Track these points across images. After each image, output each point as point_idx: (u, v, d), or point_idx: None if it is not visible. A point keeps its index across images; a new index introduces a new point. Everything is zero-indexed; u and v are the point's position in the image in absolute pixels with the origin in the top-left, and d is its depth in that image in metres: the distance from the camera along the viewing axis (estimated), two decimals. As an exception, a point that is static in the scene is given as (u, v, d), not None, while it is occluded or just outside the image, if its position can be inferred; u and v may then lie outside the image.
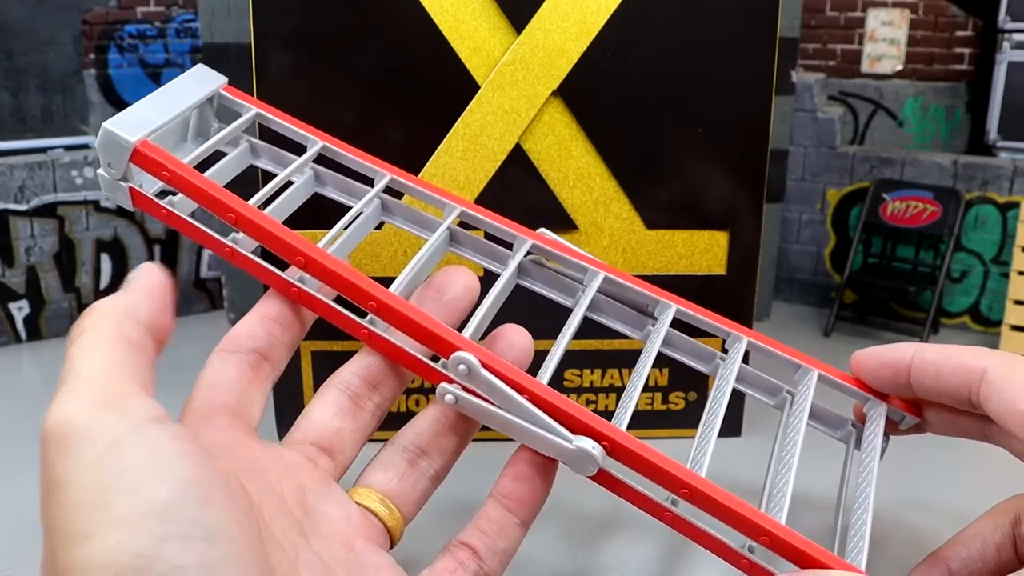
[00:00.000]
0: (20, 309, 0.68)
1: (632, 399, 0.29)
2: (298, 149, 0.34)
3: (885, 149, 0.83)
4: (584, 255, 0.33)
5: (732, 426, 0.51)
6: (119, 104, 1.92)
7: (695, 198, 0.48)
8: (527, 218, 0.47)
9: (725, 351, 0.33)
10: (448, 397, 0.28)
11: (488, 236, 0.34)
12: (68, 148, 0.79)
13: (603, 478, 0.27)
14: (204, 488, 0.21)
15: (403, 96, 0.45)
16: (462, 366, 0.27)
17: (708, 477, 0.27)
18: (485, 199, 0.47)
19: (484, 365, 0.27)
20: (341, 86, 0.45)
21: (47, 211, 0.68)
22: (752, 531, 0.25)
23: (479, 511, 0.29)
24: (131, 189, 0.31)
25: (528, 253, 0.33)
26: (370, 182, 0.34)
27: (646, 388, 0.50)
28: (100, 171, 0.31)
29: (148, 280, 0.26)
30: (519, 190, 0.47)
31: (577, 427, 0.27)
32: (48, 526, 0.20)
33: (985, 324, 0.76)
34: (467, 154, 0.46)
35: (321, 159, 0.34)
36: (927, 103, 2.12)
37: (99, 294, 0.71)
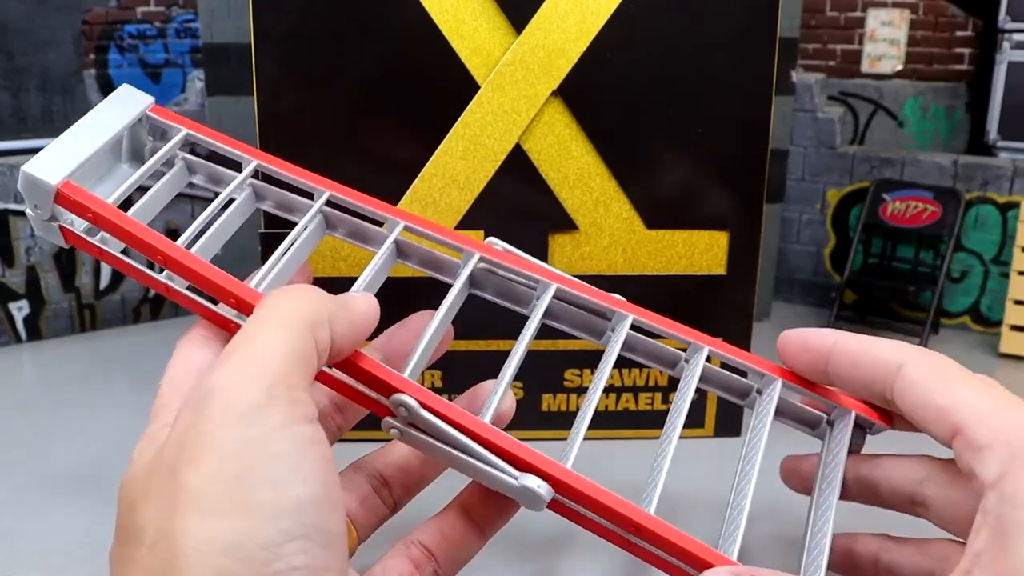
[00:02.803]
0: (20, 309, 0.68)
1: (581, 430, 0.28)
2: (235, 166, 0.33)
3: (885, 149, 0.83)
4: (536, 264, 0.32)
5: (732, 425, 0.51)
6: (119, 104, 1.92)
7: (695, 198, 0.48)
8: (527, 218, 0.47)
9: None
10: (393, 431, 0.27)
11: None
12: (68, 148, 0.79)
13: (558, 507, 0.27)
14: (333, 495, 0.21)
15: (403, 96, 0.46)
16: (402, 408, 0.26)
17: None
18: (485, 199, 0.47)
19: (424, 405, 0.26)
20: (341, 86, 0.45)
21: (47, 211, 0.68)
22: (701, 566, 0.25)
23: (440, 514, 0.29)
24: (61, 228, 0.30)
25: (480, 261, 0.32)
26: (310, 196, 0.33)
27: (646, 388, 0.50)
28: (28, 211, 0.30)
29: (364, 309, 0.26)
30: (519, 190, 0.47)
31: (522, 465, 0.26)
32: (178, 483, 0.20)
33: (985, 324, 0.76)
34: (467, 154, 0.46)
35: (259, 176, 0.34)
36: (927, 103, 2.12)
37: (99, 294, 0.71)
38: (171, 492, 0.20)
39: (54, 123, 1.93)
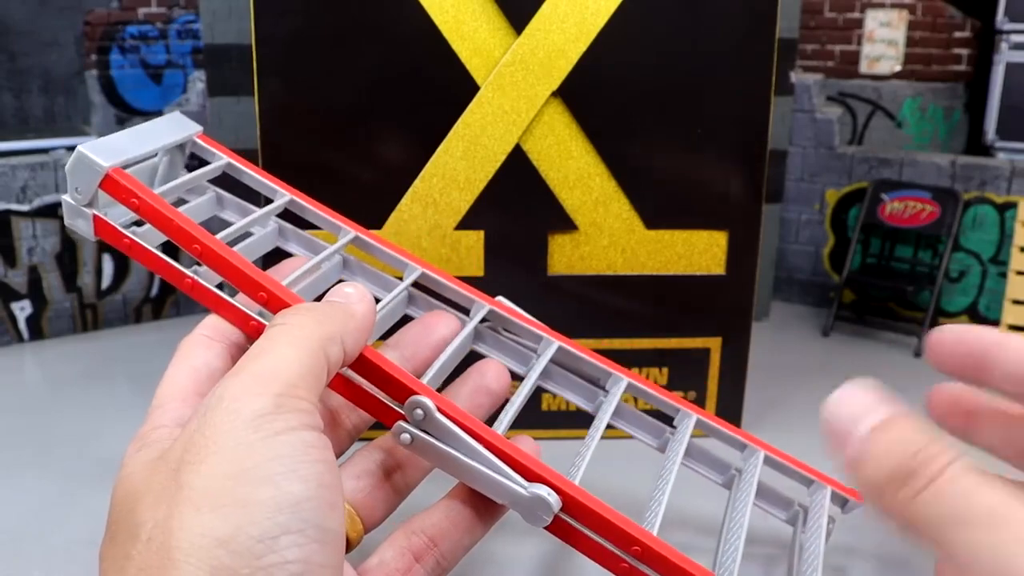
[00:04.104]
0: (22, 309, 0.68)
1: (585, 460, 0.29)
2: (265, 200, 0.34)
3: (883, 150, 0.84)
4: (538, 323, 0.32)
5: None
6: (121, 105, 1.92)
7: (695, 198, 0.48)
8: (527, 218, 0.47)
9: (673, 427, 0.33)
10: (404, 436, 0.27)
11: (445, 299, 0.33)
12: (70, 149, 0.79)
13: (558, 526, 0.27)
14: (331, 494, 0.21)
15: (403, 97, 0.46)
16: (418, 410, 0.27)
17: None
18: (485, 199, 0.47)
19: (440, 411, 0.27)
20: (341, 87, 0.46)
21: (49, 211, 0.68)
22: None
23: (443, 501, 0.29)
24: (95, 217, 0.30)
25: (484, 320, 0.32)
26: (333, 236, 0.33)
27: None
28: (65, 196, 0.31)
29: (364, 311, 0.26)
30: (519, 190, 0.47)
31: (531, 477, 0.26)
32: (180, 482, 0.21)
33: (983, 323, 0.76)
34: (467, 154, 0.46)
35: (287, 212, 0.34)
36: (925, 104, 2.12)
37: (100, 294, 0.71)
38: (172, 490, 0.21)
39: (56, 124, 1.93)
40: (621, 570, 0.27)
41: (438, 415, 0.27)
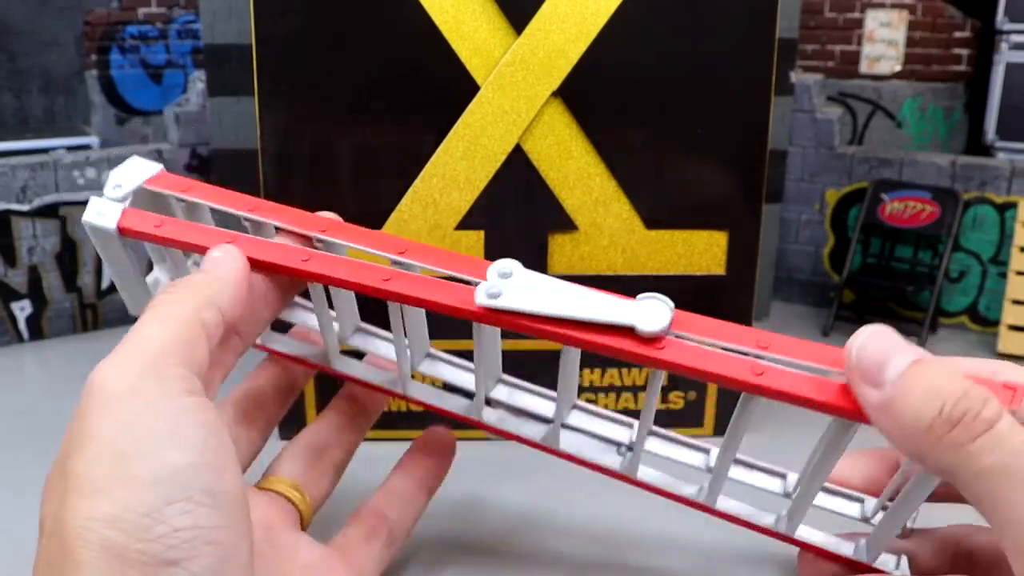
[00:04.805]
0: (22, 309, 0.68)
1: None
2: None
3: (884, 150, 0.83)
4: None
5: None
6: (121, 105, 1.92)
7: (694, 198, 0.48)
8: (527, 218, 0.47)
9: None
10: (492, 290, 0.27)
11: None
12: (70, 149, 0.79)
13: (669, 346, 0.26)
14: (218, 457, 0.22)
15: (403, 97, 0.46)
16: (505, 269, 0.28)
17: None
18: (485, 199, 0.47)
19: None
20: (341, 87, 0.45)
21: (49, 211, 0.68)
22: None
23: (385, 482, 0.33)
24: (125, 211, 0.31)
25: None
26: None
27: (646, 388, 0.51)
28: (105, 192, 0.31)
29: (230, 267, 0.27)
30: (519, 190, 0.47)
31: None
32: (66, 473, 0.21)
33: (983, 324, 0.76)
34: (467, 154, 0.46)
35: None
36: (925, 104, 2.13)
37: (100, 294, 0.71)
38: (62, 482, 0.21)
39: (56, 124, 1.93)
40: (748, 378, 0.26)
41: (527, 271, 0.28)
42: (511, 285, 0.27)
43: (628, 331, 0.26)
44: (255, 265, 0.29)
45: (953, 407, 0.21)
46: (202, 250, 0.29)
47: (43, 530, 0.22)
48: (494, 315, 0.27)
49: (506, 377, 0.34)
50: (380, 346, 0.34)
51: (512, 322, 0.27)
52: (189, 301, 0.25)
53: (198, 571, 0.20)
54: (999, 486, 0.20)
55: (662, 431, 0.33)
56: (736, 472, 0.32)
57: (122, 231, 0.31)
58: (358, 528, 0.31)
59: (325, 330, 0.33)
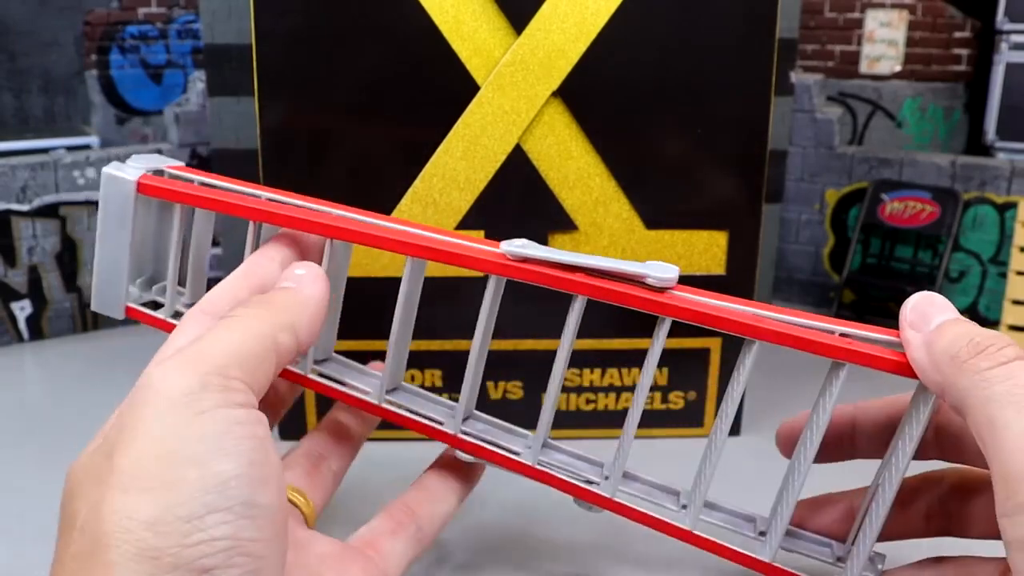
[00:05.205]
0: (22, 309, 0.68)
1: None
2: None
3: (883, 150, 0.83)
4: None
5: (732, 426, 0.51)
6: (121, 105, 1.92)
7: (694, 198, 0.48)
8: (527, 218, 0.47)
9: None
10: (516, 250, 0.29)
11: None
12: (70, 148, 0.79)
13: (673, 297, 0.29)
14: (263, 471, 0.22)
15: (403, 97, 0.46)
16: (519, 241, 0.30)
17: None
18: (485, 199, 0.47)
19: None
20: (341, 87, 0.46)
21: (49, 211, 0.68)
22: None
23: (419, 479, 0.33)
24: (144, 177, 0.31)
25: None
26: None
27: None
28: (129, 164, 0.32)
29: (315, 292, 0.27)
30: (519, 190, 0.47)
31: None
32: (111, 466, 0.21)
33: (983, 324, 0.76)
34: (467, 154, 0.46)
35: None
36: (925, 104, 2.13)
37: (101, 294, 0.71)
38: (104, 475, 0.21)
39: (56, 124, 1.93)
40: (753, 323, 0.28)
41: (538, 246, 0.29)
42: (529, 244, 0.29)
43: (640, 283, 0.29)
44: (295, 226, 0.30)
45: (981, 339, 0.24)
46: (231, 209, 0.30)
47: (73, 521, 0.21)
48: (519, 265, 0.29)
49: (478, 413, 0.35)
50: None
51: (536, 272, 0.29)
52: (269, 319, 0.25)
53: None
54: (1003, 412, 0.22)
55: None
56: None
57: (141, 187, 0.31)
58: (385, 521, 0.31)
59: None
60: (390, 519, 0.31)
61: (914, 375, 0.27)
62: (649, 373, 0.31)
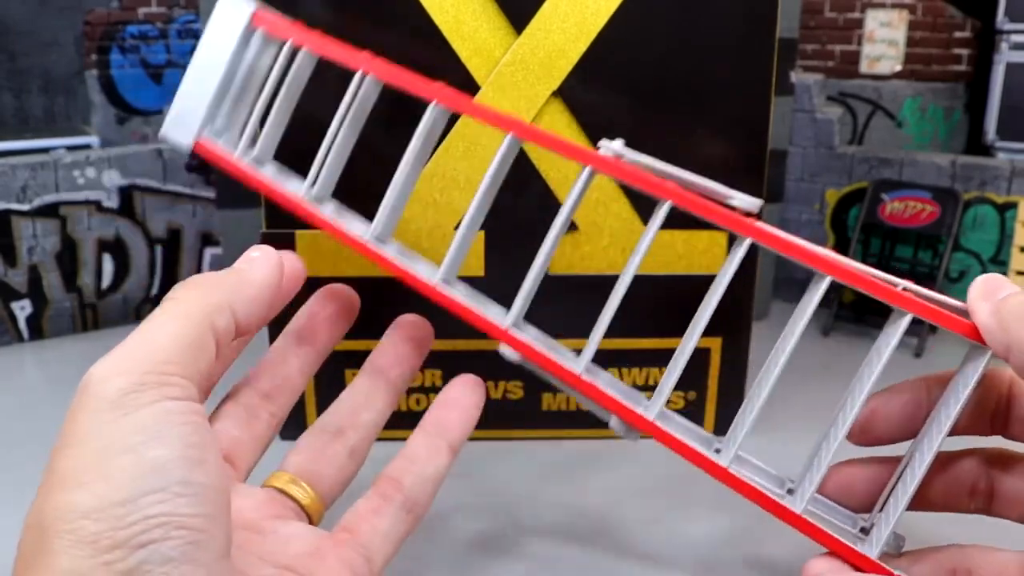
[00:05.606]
0: (22, 309, 0.68)
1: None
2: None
3: (884, 150, 0.83)
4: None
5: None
6: (121, 105, 1.92)
7: (694, 198, 0.48)
8: (527, 218, 0.47)
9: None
10: (615, 148, 0.31)
11: None
12: (70, 148, 0.79)
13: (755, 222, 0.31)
14: (199, 452, 0.22)
15: (403, 96, 0.46)
16: (616, 147, 0.32)
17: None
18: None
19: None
20: (341, 86, 0.45)
21: (49, 211, 0.68)
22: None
23: (406, 443, 0.32)
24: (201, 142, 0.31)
25: None
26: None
27: (645, 388, 0.51)
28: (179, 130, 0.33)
29: (262, 275, 0.27)
30: (519, 190, 0.47)
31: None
32: (49, 469, 0.22)
33: (983, 324, 0.76)
34: (467, 154, 0.46)
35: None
36: (925, 104, 2.13)
37: (100, 294, 0.71)
38: (47, 479, 0.22)
39: (56, 123, 1.93)
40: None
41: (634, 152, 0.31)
42: (626, 149, 0.31)
43: (725, 204, 0.31)
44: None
45: None
46: (338, 55, 0.31)
47: (25, 526, 0.22)
48: (617, 163, 0.31)
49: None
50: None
51: (632, 173, 0.31)
52: (203, 300, 0.25)
53: (167, 552, 0.20)
54: None
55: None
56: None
57: (256, 17, 0.31)
58: (368, 500, 0.30)
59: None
60: (374, 496, 0.30)
61: (974, 336, 0.28)
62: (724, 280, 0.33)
